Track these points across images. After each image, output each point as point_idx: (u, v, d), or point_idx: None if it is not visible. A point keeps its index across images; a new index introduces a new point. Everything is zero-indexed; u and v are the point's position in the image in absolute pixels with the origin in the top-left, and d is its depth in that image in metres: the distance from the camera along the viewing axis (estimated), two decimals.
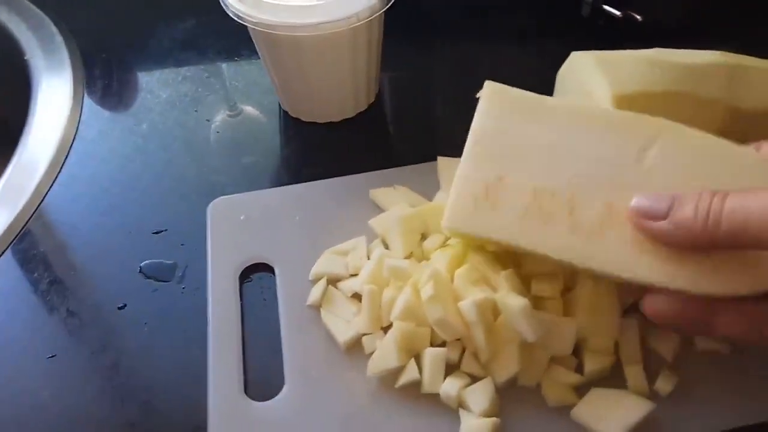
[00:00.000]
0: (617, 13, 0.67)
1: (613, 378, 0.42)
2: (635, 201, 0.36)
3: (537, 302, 0.42)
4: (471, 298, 0.41)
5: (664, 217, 0.35)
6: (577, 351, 0.43)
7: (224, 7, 0.54)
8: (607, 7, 0.67)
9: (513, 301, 0.39)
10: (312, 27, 0.52)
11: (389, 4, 0.54)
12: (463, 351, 0.43)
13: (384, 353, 0.42)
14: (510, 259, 0.44)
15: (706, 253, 0.35)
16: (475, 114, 0.41)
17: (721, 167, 0.37)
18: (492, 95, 0.41)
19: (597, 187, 0.37)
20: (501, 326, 0.41)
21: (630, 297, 0.43)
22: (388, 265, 0.45)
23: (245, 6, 0.53)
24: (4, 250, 0.53)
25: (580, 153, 0.38)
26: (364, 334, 0.45)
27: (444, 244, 0.47)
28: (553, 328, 0.41)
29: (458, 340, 0.43)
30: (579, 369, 0.43)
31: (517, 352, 0.41)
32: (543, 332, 0.40)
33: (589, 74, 0.47)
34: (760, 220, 0.31)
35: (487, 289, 0.42)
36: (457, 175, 0.40)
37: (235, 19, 0.54)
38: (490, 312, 0.41)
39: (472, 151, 0.40)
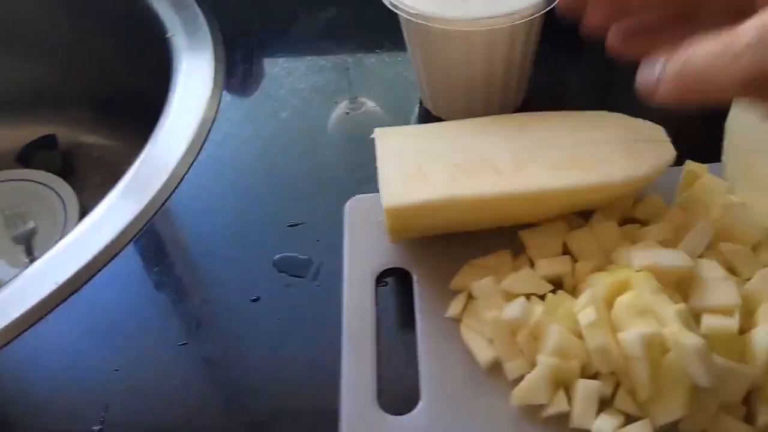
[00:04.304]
0: None
1: None
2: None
3: (708, 341, 0.38)
4: (638, 330, 0.37)
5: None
6: (746, 398, 0.38)
7: None
8: None
9: (688, 340, 0.35)
10: (471, 22, 0.50)
11: (554, 3, 0.50)
12: (617, 386, 0.39)
13: (532, 387, 0.39)
14: (678, 291, 0.40)
15: None
16: (376, 152, 0.47)
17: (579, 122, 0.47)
18: (384, 133, 0.48)
19: (503, 150, 0.46)
20: (668, 366, 0.37)
21: None
22: (508, 317, 0.41)
23: None
24: (140, 231, 0.53)
25: (477, 140, 0.47)
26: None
27: (599, 269, 0.44)
28: (726, 374, 0.37)
29: (612, 374, 0.39)
30: (747, 418, 0.38)
31: (684, 396, 0.37)
32: (717, 377, 0.36)
33: None
34: None
35: (653, 322, 0.38)
36: (381, 170, 0.45)
37: (391, 8, 0.52)
38: (658, 348, 0.37)
39: (386, 162, 0.46)
